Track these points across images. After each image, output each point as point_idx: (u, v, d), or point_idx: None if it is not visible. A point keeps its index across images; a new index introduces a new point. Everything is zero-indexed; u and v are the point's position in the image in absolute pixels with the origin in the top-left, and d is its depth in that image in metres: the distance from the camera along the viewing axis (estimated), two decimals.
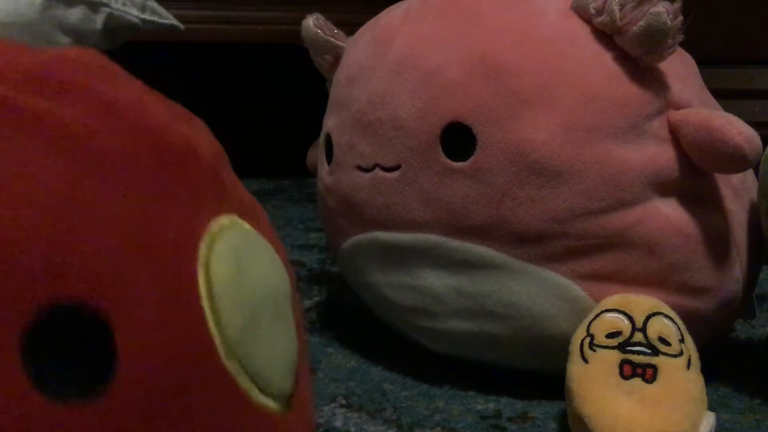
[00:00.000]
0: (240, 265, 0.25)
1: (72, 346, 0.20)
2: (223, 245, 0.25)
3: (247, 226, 0.28)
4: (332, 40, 0.58)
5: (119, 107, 0.25)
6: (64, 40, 0.65)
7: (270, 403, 0.26)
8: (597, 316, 0.46)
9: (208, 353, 0.23)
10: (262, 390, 0.25)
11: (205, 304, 0.24)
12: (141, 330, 0.21)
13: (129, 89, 0.26)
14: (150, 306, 0.22)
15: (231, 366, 0.24)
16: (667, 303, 0.47)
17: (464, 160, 0.48)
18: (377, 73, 0.51)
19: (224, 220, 0.26)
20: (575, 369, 0.44)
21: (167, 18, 0.76)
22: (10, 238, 0.19)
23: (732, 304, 0.51)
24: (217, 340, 0.24)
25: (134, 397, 0.21)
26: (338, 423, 0.48)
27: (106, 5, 0.68)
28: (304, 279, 0.79)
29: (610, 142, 0.46)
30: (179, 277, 0.23)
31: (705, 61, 0.56)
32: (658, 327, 0.45)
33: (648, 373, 0.43)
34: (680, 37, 0.46)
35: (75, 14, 0.65)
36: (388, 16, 0.54)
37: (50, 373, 0.19)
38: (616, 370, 0.43)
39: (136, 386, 0.21)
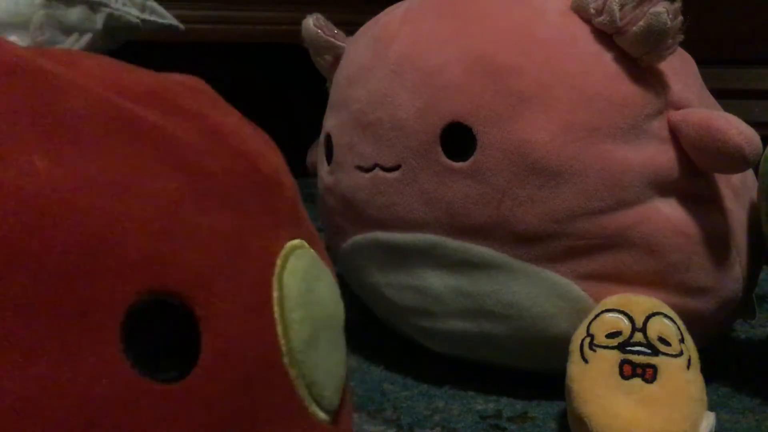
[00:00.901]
0: (308, 284, 0.28)
1: (164, 331, 0.23)
2: (295, 263, 0.28)
3: (313, 252, 0.30)
4: (332, 40, 0.58)
5: (222, 132, 0.28)
6: (64, 40, 0.65)
7: (320, 414, 0.28)
8: (597, 316, 0.46)
9: (275, 357, 0.26)
10: (315, 400, 0.28)
11: (277, 313, 0.26)
12: (223, 326, 0.24)
13: (230, 117, 0.29)
14: (232, 306, 0.24)
15: (292, 373, 0.26)
16: (667, 303, 0.47)
17: (464, 160, 0.48)
18: (377, 73, 0.51)
19: (297, 242, 0.29)
20: (575, 369, 0.44)
21: (167, 18, 0.76)
22: (120, 232, 0.22)
23: (732, 304, 0.51)
24: (284, 347, 0.26)
25: (212, 384, 0.23)
26: None
27: (106, 5, 0.68)
28: None
29: (610, 142, 0.46)
30: (258, 285, 0.26)
31: (705, 61, 0.56)
32: (658, 327, 0.45)
33: (648, 373, 0.43)
34: (680, 37, 0.46)
35: (75, 14, 0.65)
36: (388, 16, 0.54)
37: (144, 354, 0.21)
38: (616, 370, 0.43)
39: (215, 375, 0.23)
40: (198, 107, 0.28)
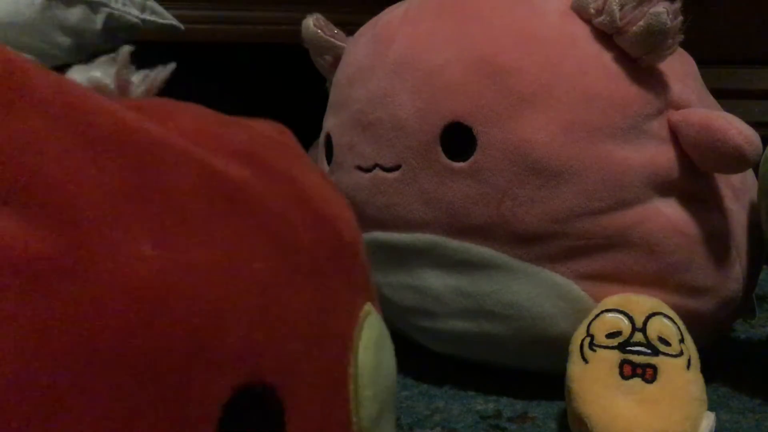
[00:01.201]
0: (378, 358, 0.27)
1: (256, 422, 0.22)
2: (367, 336, 0.27)
3: (379, 316, 0.29)
4: (332, 40, 0.58)
5: (310, 197, 0.26)
6: (64, 40, 0.65)
7: None
8: (597, 316, 0.46)
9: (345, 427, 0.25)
10: None
11: (351, 391, 0.25)
12: (305, 412, 0.23)
13: (313, 175, 0.28)
14: (314, 390, 0.23)
15: None
16: (667, 303, 0.47)
17: (464, 160, 0.48)
18: (377, 73, 0.51)
19: (368, 307, 0.28)
20: (575, 369, 0.44)
21: (167, 18, 0.75)
22: (222, 323, 0.21)
23: (732, 304, 0.51)
24: (355, 427, 0.25)
25: None
26: None
27: (106, 5, 0.68)
28: None
29: (610, 142, 0.46)
30: (337, 364, 0.25)
31: (705, 61, 0.56)
32: (658, 327, 0.45)
33: (648, 373, 0.42)
34: (680, 37, 0.46)
35: (75, 14, 0.65)
36: (388, 16, 0.54)
37: None
38: (616, 370, 0.43)
39: None
40: (287, 167, 0.27)
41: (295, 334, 0.23)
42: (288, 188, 0.26)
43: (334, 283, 0.26)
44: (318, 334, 0.24)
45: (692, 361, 0.44)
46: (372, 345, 0.27)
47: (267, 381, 0.22)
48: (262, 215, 0.24)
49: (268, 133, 0.28)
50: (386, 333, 0.29)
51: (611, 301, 0.47)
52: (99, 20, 0.68)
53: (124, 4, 0.70)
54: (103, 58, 0.27)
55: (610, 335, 0.45)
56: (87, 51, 0.64)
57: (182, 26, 0.78)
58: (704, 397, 0.43)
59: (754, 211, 0.52)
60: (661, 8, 0.45)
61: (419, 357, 0.57)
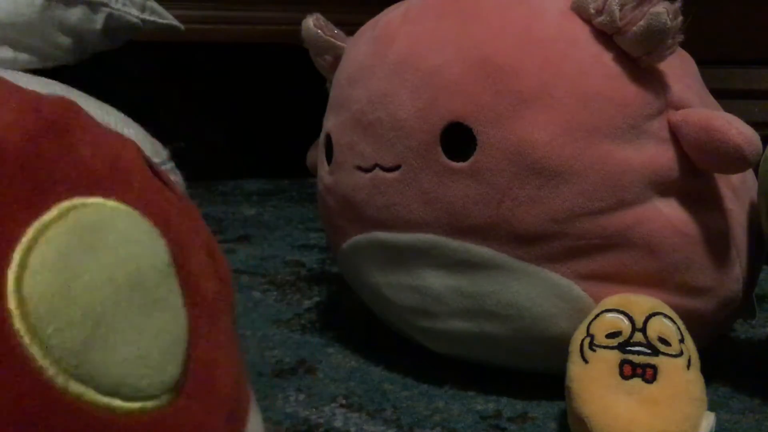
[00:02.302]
0: (72, 269, 0.22)
1: None
2: (43, 253, 0.22)
3: (94, 203, 0.24)
4: (332, 40, 0.58)
5: None
6: (64, 40, 0.65)
7: (134, 404, 0.23)
8: (597, 316, 0.46)
9: (36, 385, 0.21)
10: (125, 394, 0.23)
11: (22, 332, 0.21)
12: None
13: None
14: None
15: (75, 387, 0.22)
16: (667, 303, 0.47)
17: (464, 160, 0.48)
18: (377, 73, 0.51)
19: (50, 215, 0.23)
20: (575, 369, 0.44)
21: (167, 18, 0.75)
22: None
23: (732, 304, 0.51)
24: (48, 367, 0.21)
25: None
26: (338, 423, 0.48)
27: (106, 5, 0.68)
28: (304, 279, 0.79)
29: (610, 142, 0.46)
30: None
31: (705, 61, 0.56)
32: (658, 327, 0.45)
33: (648, 373, 0.43)
34: (680, 37, 0.46)
35: (75, 14, 0.65)
36: (388, 16, 0.54)
37: None
38: (616, 370, 0.43)
39: None
40: None
41: None
42: None
43: None
44: None
45: (692, 361, 0.44)
46: (50, 262, 0.22)
47: None
48: None
49: None
50: (112, 221, 0.24)
51: (611, 301, 0.47)
52: (99, 20, 0.68)
53: (124, 4, 0.70)
54: None
55: (610, 335, 0.45)
56: (87, 51, 0.64)
57: (182, 26, 0.78)
58: (704, 397, 0.43)
59: (754, 211, 0.52)
60: (661, 8, 0.45)
61: (419, 357, 0.57)
